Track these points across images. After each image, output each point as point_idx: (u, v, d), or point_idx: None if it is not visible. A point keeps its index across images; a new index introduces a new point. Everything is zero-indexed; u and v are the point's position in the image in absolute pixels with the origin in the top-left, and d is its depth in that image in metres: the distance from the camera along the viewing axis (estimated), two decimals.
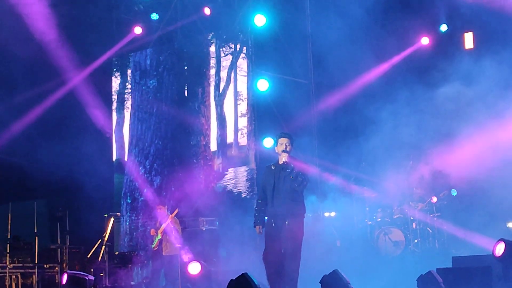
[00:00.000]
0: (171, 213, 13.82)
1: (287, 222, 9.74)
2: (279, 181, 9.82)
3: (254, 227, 10.05)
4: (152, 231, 13.94)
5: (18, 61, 15.60)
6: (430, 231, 15.45)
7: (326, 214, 16.22)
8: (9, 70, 15.53)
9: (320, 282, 9.07)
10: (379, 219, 15.73)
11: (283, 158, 9.79)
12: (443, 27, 16.83)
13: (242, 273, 7.89)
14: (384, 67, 16.64)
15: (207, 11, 16.37)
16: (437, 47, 16.54)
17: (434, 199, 15.41)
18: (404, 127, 14.81)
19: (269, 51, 16.08)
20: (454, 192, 15.40)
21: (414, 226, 15.42)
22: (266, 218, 10.00)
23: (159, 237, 13.71)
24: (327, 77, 16.39)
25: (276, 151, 10.04)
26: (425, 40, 16.82)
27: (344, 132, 15.61)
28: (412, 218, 15.43)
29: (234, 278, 7.87)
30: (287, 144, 9.89)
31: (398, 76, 16.00)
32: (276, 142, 10.05)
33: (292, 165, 9.76)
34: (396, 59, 16.71)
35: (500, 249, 10.10)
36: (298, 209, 9.90)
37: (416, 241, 15.34)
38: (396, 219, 15.61)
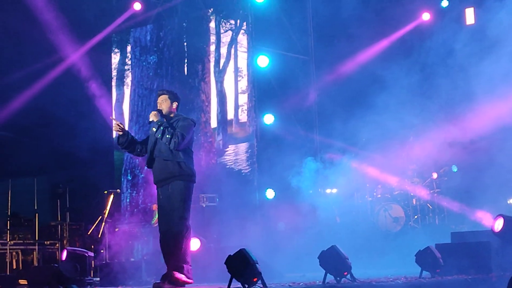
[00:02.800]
0: None
1: (169, 187, 8.83)
2: (152, 144, 8.95)
3: None
4: (154, 206, 13.90)
5: (17, 37, 15.57)
6: (430, 207, 15.51)
7: (328, 191, 16.25)
8: (7, 46, 15.49)
9: (318, 258, 9.09)
10: (379, 195, 15.79)
11: (150, 117, 8.89)
12: (444, 3, 16.73)
13: (240, 249, 7.90)
14: (384, 43, 16.58)
15: None
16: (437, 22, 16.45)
17: (435, 175, 15.45)
18: (405, 103, 14.78)
19: (269, 27, 16.01)
20: (454, 168, 15.44)
21: (414, 202, 15.47)
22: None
23: (156, 214, 13.69)
24: (328, 53, 16.33)
25: None
26: (426, 16, 16.75)
27: (344, 108, 15.57)
28: (412, 194, 15.47)
29: (232, 254, 7.87)
30: (158, 101, 9.02)
31: (399, 52, 15.93)
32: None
33: (158, 123, 8.75)
34: (397, 34, 16.65)
35: (499, 224, 10.14)
36: (176, 171, 8.82)
37: (416, 217, 15.40)
38: (396, 195, 15.65)
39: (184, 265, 8.78)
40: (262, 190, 15.58)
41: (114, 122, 9.07)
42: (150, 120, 8.88)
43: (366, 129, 15.02)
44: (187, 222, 8.89)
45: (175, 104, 9.06)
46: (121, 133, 9.00)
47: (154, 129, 8.80)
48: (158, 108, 9.01)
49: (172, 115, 9.02)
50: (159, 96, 9.10)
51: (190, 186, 8.89)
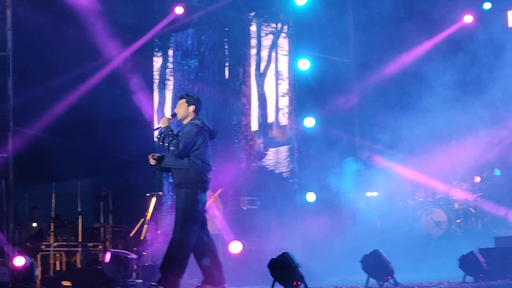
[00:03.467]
0: (213, 192, 13.88)
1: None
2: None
3: None
4: None
5: (61, 42, 15.77)
6: (473, 211, 15.36)
7: (368, 194, 16.18)
8: (52, 51, 15.69)
9: (360, 262, 9.07)
10: (421, 199, 15.67)
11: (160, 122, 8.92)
12: (487, 5, 16.57)
13: (283, 252, 7.92)
14: (427, 44, 16.44)
15: None
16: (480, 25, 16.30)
17: (477, 179, 15.31)
18: (448, 108, 14.68)
19: (310, 30, 16.01)
20: (497, 172, 15.28)
21: (456, 206, 15.35)
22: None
23: None
24: (368, 56, 16.28)
25: None
26: (468, 18, 16.60)
27: (385, 110, 15.50)
28: (454, 198, 15.35)
29: (274, 257, 7.90)
30: (178, 106, 8.97)
31: (443, 54, 15.81)
32: None
33: (162, 130, 8.76)
34: (439, 36, 16.51)
35: None
36: (178, 179, 8.78)
37: (458, 221, 15.26)
38: (438, 199, 15.53)
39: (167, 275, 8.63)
40: (302, 193, 15.57)
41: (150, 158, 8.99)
42: (157, 127, 8.94)
43: (407, 131, 14.95)
44: (188, 232, 8.65)
45: (191, 108, 8.91)
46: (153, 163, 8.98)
47: (158, 136, 8.82)
48: (175, 111, 8.97)
49: (188, 119, 8.90)
50: (178, 99, 9.06)
51: (194, 193, 8.71)
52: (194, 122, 8.84)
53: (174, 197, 8.93)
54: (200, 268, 8.87)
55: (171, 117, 8.93)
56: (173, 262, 8.61)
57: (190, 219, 8.64)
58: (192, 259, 8.74)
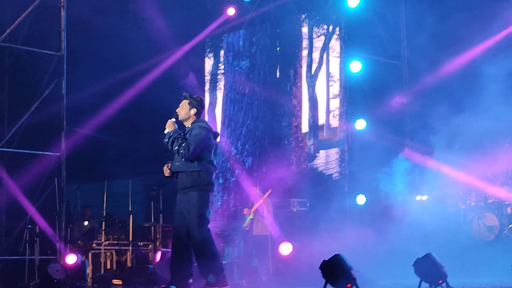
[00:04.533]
0: (263, 193, 13.92)
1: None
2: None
3: None
4: (246, 210, 14.03)
5: (114, 42, 15.93)
6: None
7: (418, 198, 16.05)
8: (105, 51, 15.86)
9: (413, 265, 8.99)
10: (473, 203, 15.48)
11: (166, 127, 8.95)
12: None
13: (335, 254, 7.88)
14: (481, 46, 16.19)
15: None
16: None
17: None
18: (504, 110, 14.47)
19: (362, 32, 15.92)
20: None
21: (509, 211, 15.14)
22: None
23: (251, 216, 13.82)
24: (421, 58, 16.14)
25: None
26: None
27: (437, 114, 15.35)
28: (507, 202, 15.15)
29: (326, 259, 7.87)
30: (180, 106, 9.03)
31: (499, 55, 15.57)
32: None
33: (170, 133, 8.83)
34: (495, 38, 16.24)
35: None
36: (189, 182, 8.77)
37: (510, 226, 15.06)
38: (490, 203, 15.34)
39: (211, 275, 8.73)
40: (352, 196, 15.51)
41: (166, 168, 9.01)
42: (165, 131, 8.91)
43: (460, 133, 14.80)
44: (206, 230, 8.78)
45: (193, 111, 8.96)
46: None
47: (166, 140, 8.85)
48: (177, 111, 8.99)
49: (189, 122, 8.97)
50: (182, 100, 9.06)
51: (207, 195, 8.83)
52: (201, 124, 8.92)
53: (179, 198, 8.89)
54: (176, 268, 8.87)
55: (174, 120, 8.99)
56: (208, 262, 8.70)
57: (205, 220, 8.79)
58: None
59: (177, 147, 8.67)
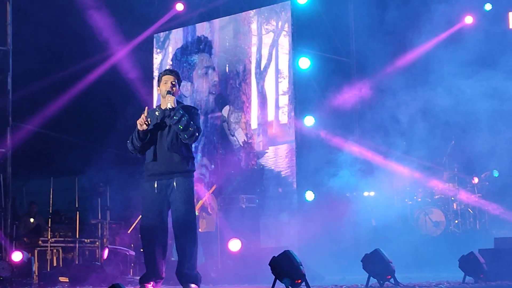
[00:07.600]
0: (209, 190, 13.87)
1: (175, 183, 7.98)
2: (164, 131, 8.00)
3: None
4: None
5: (61, 37, 15.75)
6: (471, 212, 15.38)
7: (365, 194, 16.19)
8: (52, 46, 15.66)
9: (361, 261, 9.04)
10: (420, 199, 15.69)
11: (169, 102, 7.84)
12: (487, 6, 16.54)
13: (285, 251, 7.88)
14: (427, 46, 16.41)
15: None
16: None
17: (476, 180, 15.33)
18: (446, 107, 14.65)
19: (311, 29, 15.99)
20: (496, 173, 15.30)
21: (455, 206, 15.36)
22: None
23: (196, 213, 13.74)
24: (370, 55, 16.26)
25: (158, 92, 8.17)
26: (468, 19, 16.56)
27: (385, 111, 15.50)
28: (453, 198, 15.37)
29: (276, 256, 7.86)
30: (173, 82, 8.00)
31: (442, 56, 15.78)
32: (159, 81, 8.11)
33: (181, 112, 7.84)
34: (439, 38, 16.48)
35: None
36: (187, 166, 8.05)
37: (456, 221, 15.28)
38: (436, 199, 15.55)
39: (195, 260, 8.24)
40: (301, 192, 15.54)
41: (143, 116, 7.98)
42: (169, 106, 7.85)
43: (407, 130, 14.96)
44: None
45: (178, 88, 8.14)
46: (146, 128, 7.98)
47: (176, 118, 7.80)
48: (167, 90, 7.98)
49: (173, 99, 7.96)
50: (166, 75, 8.12)
51: (193, 181, 8.15)
52: (190, 105, 8.48)
53: (173, 186, 7.99)
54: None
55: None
56: (193, 247, 8.13)
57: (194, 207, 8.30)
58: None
59: (192, 129, 7.83)
